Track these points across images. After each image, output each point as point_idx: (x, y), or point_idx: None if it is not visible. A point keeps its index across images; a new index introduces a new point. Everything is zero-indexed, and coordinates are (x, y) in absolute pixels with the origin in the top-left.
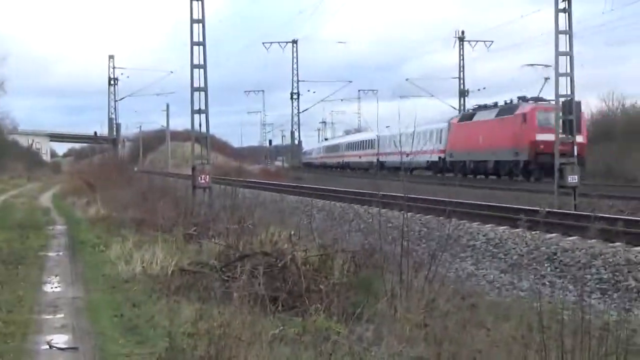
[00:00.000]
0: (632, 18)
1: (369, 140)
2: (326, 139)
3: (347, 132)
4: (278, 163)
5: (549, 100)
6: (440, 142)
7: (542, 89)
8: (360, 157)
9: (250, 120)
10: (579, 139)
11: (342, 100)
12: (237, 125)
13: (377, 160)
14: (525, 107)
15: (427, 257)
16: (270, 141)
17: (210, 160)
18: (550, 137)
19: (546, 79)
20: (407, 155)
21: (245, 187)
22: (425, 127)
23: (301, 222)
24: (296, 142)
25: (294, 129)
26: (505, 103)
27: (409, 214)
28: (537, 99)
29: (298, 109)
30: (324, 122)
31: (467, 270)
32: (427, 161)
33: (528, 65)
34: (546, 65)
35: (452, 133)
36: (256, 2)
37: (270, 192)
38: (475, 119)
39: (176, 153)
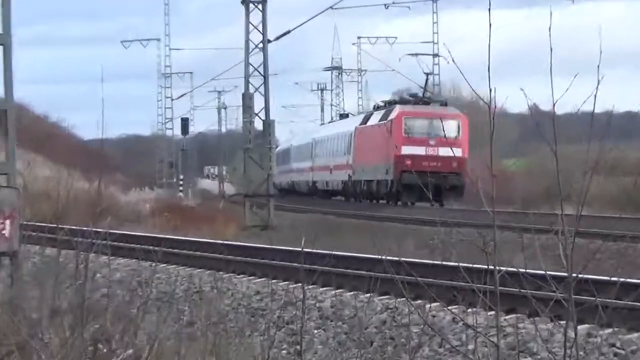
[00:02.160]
0: None
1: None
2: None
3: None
4: (205, 182)
5: (433, 101)
6: (349, 153)
7: (426, 84)
8: (330, 170)
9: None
10: (456, 152)
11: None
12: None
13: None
14: (394, 112)
15: None
16: (184, 124)
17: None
18: (420, 150)
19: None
20: (330, 170)
21: (126, 250)
22: (335, 131)
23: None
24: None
25: (248, 86)
26: (390, 103)
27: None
28: (416, 100)
29: (264, 29)
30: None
31: None
32: (342, 182)
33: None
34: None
35: (356, 140)
36: None
37: (185, 266)
38: (370, 122)
39: None
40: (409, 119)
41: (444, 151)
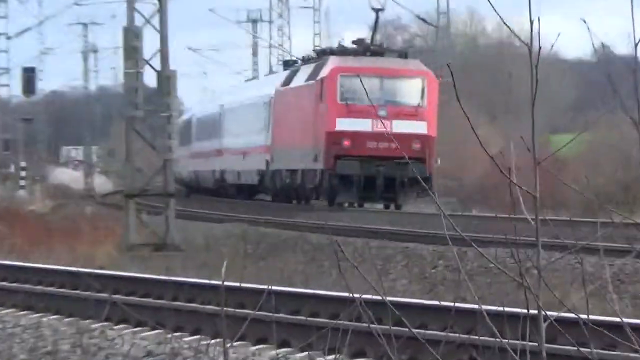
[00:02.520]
0: None
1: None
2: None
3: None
4: (64, 172)
5: (387, 51)
6: (267, 130)
7: (376, 25)
8: (243, 155)
9: None
10: (418, 127)
11: None
12: None
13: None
14: (327, 67)
15: None
16: (28, 77)
17: None
18: (363, 124)
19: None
20: (243, 155)
21: None
22: (251, 94)
23: None
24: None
25: (134, 16)
26: (323, 53)
27: None
28: (359, 49)
29: None
30: None
31: None
32: (258, 172)
33: None
34: None
35: (275, 109)
36: None
37: (30, 312)
38: (294, 82)
39: None
40: (348, 77)
41: (401, 126)
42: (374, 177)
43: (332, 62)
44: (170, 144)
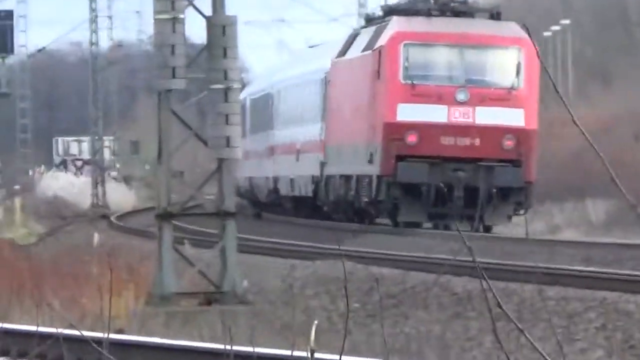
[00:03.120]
0: None
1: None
2: None
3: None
4: (60, 178)
5: (469, 10)
6: (322, 118)
7: None
8: (297, 155)
9: None
10: (512, 117)
11: None
12: None
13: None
14: (387, 32)
15: None
16: (3, 31)
17: None
18: (436, 113)
19: None
20: (297, 156)
21: None
22: (305, 71)
23: None
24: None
25: None
26: (390, 11)
27: None
28: (431, 7)
29: None
30: None
31: None
32: (313, 179)
33: None
34: None
35: (330, 90)
36: None
37: None
38: (350, 52)
39: None
40: (415, 47)
41: (488, 115)
42: (451, 186)
43: (394, 25)
44: (229, 134)
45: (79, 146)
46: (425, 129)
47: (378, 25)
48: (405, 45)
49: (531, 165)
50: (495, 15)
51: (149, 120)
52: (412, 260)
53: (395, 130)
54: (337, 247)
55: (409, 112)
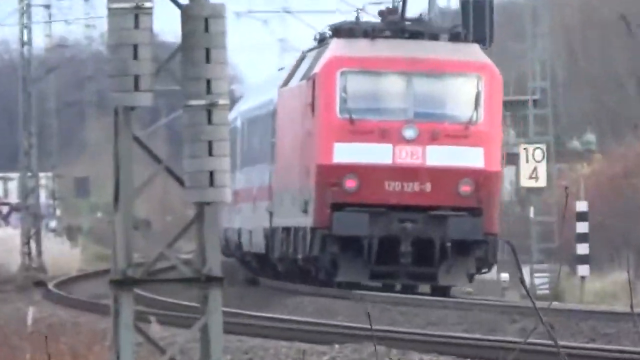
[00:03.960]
0: None
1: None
2: None
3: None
4: None
5: (420, 27)
6: (270, 161)
7: None
8: (253, 204)
9: None
10: (470, 157)
11: None
12: None
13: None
14: (323, 57)
15: None
16: None
17: None
18: (379, 153)
19: None
20: (254, 202)
21: None
22: (262, 101)
23: None
24: None
25: None
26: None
27: None
28: (377, 26)
29: None
30: None
31: None
32: (264, 230)
33: None
34: None
35: (277, 123)
36: None
37: None
38: (293, 80)
39: None
40: (355, 74)
41: (441, 155)
42: (397, 239)
43: (332, 49)
44: (213, 168)
45: (4, 185)
46: (366, 173)
47: (319, 49)
48: (342, 73)
49: (493, 214)
50: (454, 36)
51: (102, 149)
52: (471, 344)
53: (331, 174)
54: (368, 327)
55: (347, 153)
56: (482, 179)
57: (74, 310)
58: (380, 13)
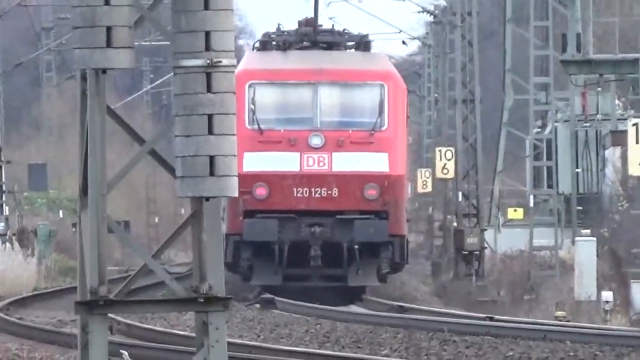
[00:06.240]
0: None
1: None
2: None
3: None
4: None
5: (328, 41)
6: None
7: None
8: None
9: None
10: (374, 162)
11: None
12: None
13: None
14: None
15: None
16: None
17: None
18: (288, 161)
19: None
20: None
21: None
22: None
23: None
24: None
25: None
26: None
27: None
28: (285, 38)
29: None
30: None
31: None
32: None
33: None
34: None
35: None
36: None
37: None
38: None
39: None
40: (263, 86)
41: (347, 162)
42: (307, 243)
43: (243, 62)
44: (215, 151)
45: None
46: (275, 181)
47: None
48: (250, 85)
49: (400, 216)
50: (362, 46)
51: (64, 127)
52: None
53: (241, 183)
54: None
55: (256, 162)
56: (387, 183)
57: (29, 342)
58: (299, 23)
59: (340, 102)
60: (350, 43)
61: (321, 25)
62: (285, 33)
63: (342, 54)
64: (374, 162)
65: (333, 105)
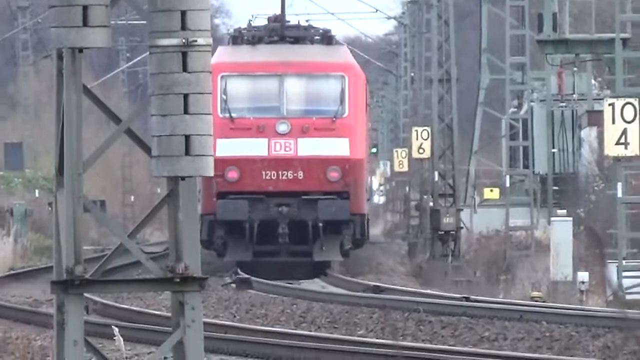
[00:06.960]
0: None
1: None
2: None
3: None
4: None
5: (294, 35)
6: None
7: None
8: None
9: None
10: (336, 147)
11: None
12: None
13: None
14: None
15: None
16: None
17: None
18: (256, 146)
19: None
20: None
21: None
22: None
23: None
24: None
25: None
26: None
27: None
28: (254, 33)
29: None
30: None
31: None
32: None
33: None
34: None
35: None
36: None
37: None
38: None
39: None
40: (234, 77)
41: (311, 146)
42: (275, 222)
43: (216, 55)
44: (191, 131)
45: None
46: (245, 164)
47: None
48: (222, 77)
49: (360, 196)
50: (325, 40)
51: (40, 106)
52: None
53: (215, 167)
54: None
55: (228, 148)
56: (348, 166)
57: (4, 322)
58: (268, 20)
59: (304, 92)
60: (315, 37)
61: (289, 21)
62: (255, 29)
63: (307, 47)
64: (336, 147)
65: (298, 94)
